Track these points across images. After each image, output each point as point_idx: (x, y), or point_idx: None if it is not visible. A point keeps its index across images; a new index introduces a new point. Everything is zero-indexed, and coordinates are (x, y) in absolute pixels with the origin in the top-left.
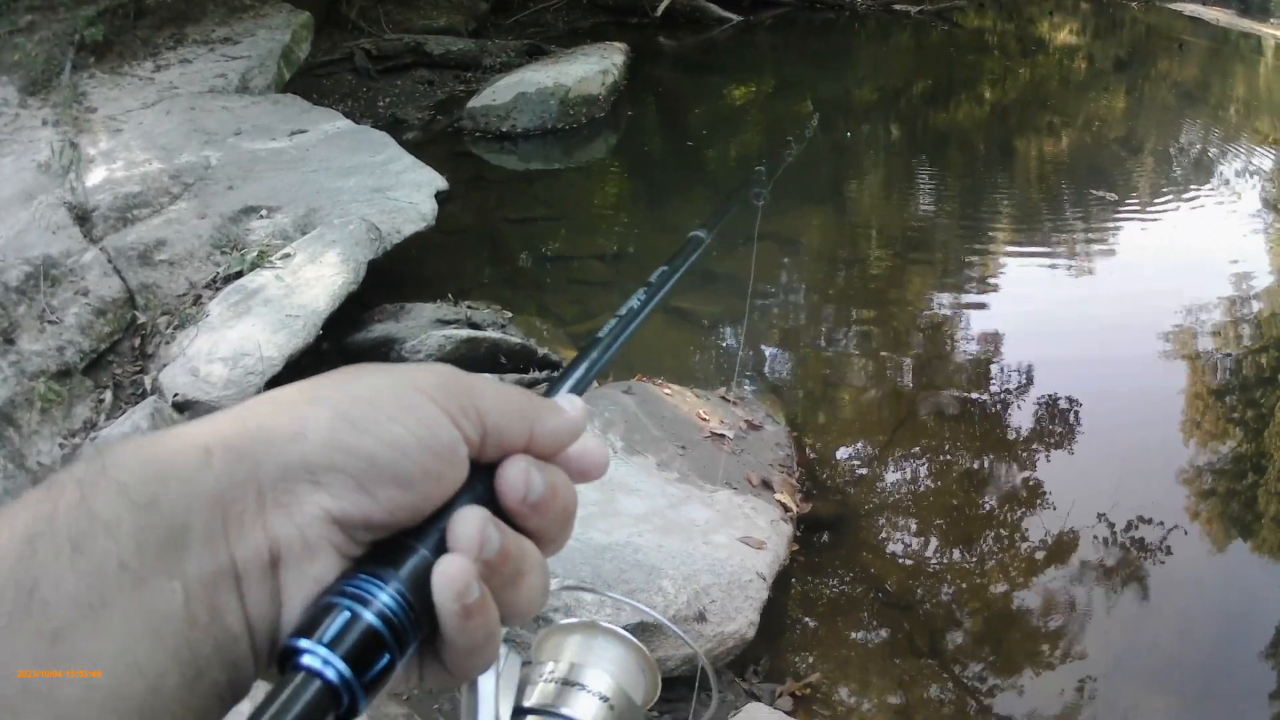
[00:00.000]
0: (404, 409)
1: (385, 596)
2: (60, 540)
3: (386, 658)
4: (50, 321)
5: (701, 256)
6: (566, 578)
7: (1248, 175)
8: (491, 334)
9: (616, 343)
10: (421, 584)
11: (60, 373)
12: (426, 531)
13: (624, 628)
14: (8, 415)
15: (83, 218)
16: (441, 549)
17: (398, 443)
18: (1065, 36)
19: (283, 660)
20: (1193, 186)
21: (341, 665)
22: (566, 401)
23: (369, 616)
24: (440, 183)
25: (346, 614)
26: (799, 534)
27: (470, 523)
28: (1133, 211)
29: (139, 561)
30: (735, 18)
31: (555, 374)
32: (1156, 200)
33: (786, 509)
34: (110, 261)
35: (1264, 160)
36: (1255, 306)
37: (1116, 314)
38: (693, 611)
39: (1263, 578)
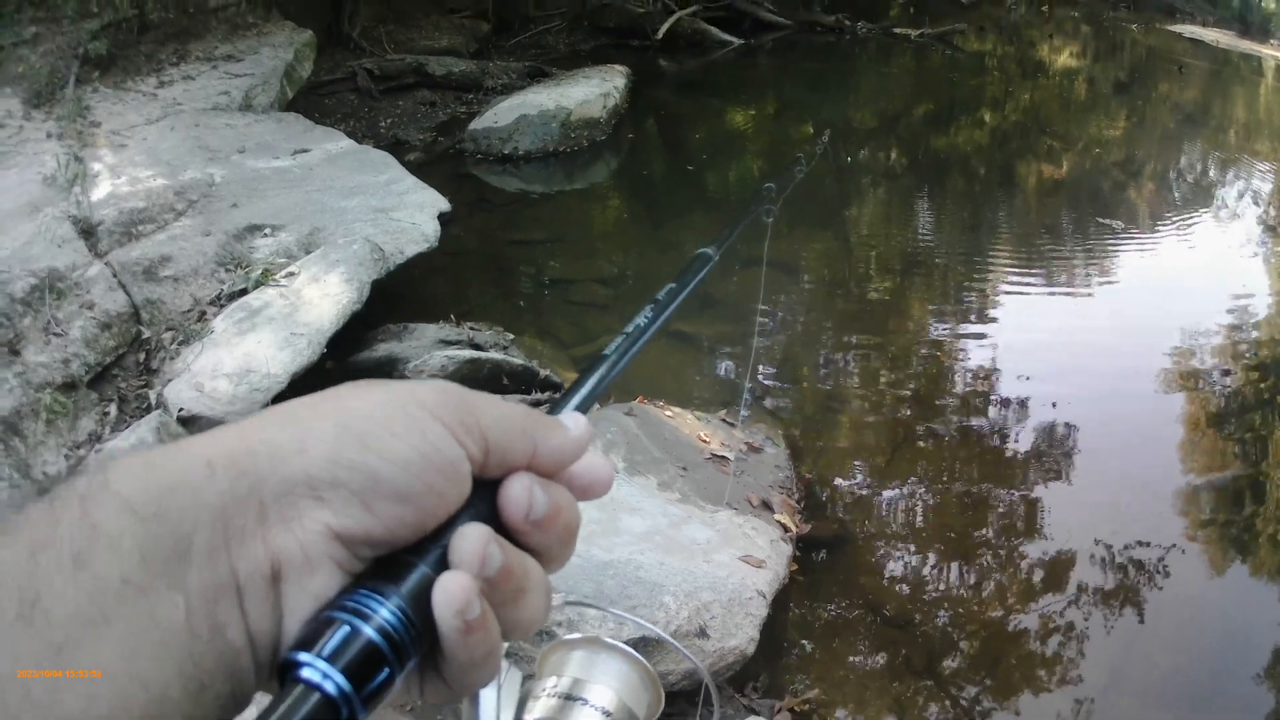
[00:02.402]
0: (407, 425)
1: (385, 612)
2: (63, 554)
3: (386, 672)
4: (55, 334)
5: (706, 277)
6: (569, 593)
7: (1249, 198)
8: (494, 355)
9: (623, 360)
10: (422, 600)
11: (65, 385)
12: (428, 548)
13: (626, 643)
14: (13, 425)
15: (88, 232)
16: (443, 566)
17: (401, 459)
18: (1066, 59)
19: (282, 673)
20: (1193, 210)
21: (340, 679)
22: (570, 419)
23: (369, 631)
24: (443, 204)
25: (346, 628)
26: (798, 554)
27: (472, 540)
28: (1133, 236)
29: (141, 574)
30: (736, 41)
31: (557, 395)
32: (1157, 225)
33: (786, 529)
34: (115, 276)
35: (1264, 184)
36: (1255, 332)
37: (1116, 339)
38: (694, 627)
39: (1259, 600)
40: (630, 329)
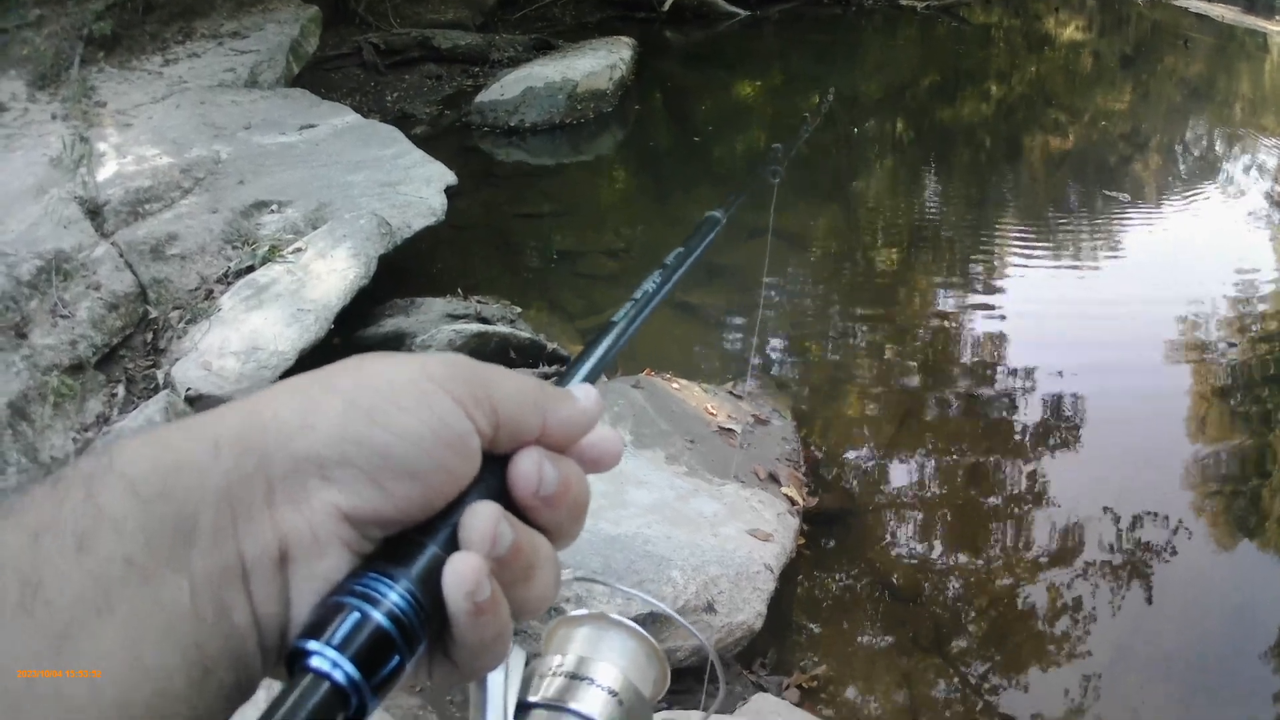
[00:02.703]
0: (416, 399)
1: (395, 596)
2: (66, 537)
3: (396, 659)
4: (62, 315)
5: (711, 248)
6: (577, 569)
7: (1254, 172)
8: (501, 328)
9: (631, 327)
10: (432, 582)
11: (72, 367)
12: (437, 527)
13: (633, 619)
14: (20, 409)
15: (94, 212)
16: (453, 545)
17: (410, 434)
18: (1072, 33)
19: (291, 661)
20: (1199, 184)
21: (350, 667)
22: (580, 391)
23: (378, 617)
24: (450, 177)
25: (356, 615)
26: (805, 528)
27: (483, 518)
28: (1139, 210)
29: (146, 557)
30: (742, 12)
31: (564, 368)
32: (1163, 198)
33: (793, 503)
34: (121, 256)
35: (1269, 158)
36: (1261, 306)
37: (1121, 313)
38: (701, 602)
39: (1267, 576)
40: (638, 295)
